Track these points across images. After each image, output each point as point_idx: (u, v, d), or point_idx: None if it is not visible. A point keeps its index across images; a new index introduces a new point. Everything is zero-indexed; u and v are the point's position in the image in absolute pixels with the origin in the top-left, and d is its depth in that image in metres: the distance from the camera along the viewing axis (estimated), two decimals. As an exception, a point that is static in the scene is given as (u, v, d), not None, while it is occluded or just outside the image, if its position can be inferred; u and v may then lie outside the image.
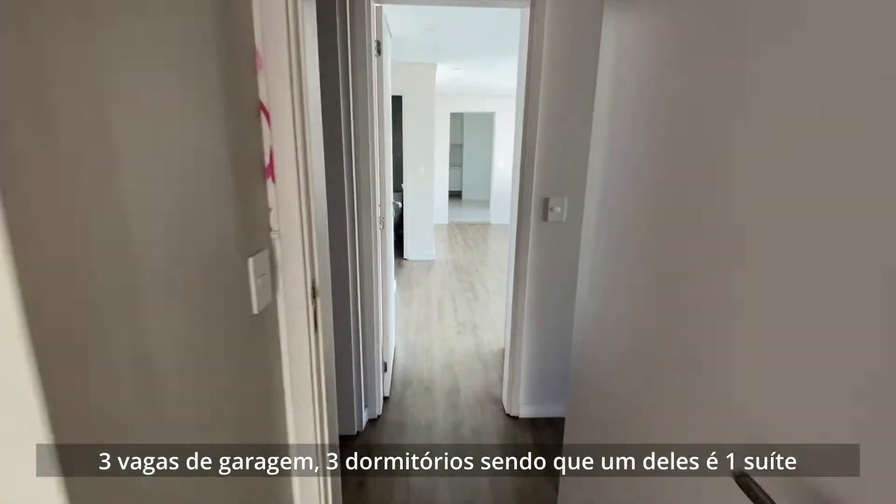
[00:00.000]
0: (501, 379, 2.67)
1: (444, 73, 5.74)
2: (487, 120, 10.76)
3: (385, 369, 2.42)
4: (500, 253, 5.90)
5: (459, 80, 6.23)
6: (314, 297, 1.03)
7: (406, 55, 4.73)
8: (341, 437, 2.11)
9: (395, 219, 6.55)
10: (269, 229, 0.95)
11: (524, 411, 2.31)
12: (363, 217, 2.02)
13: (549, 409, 2.32)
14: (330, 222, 1.86)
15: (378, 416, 2.29)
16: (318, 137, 1.12)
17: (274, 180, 0.94)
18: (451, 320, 3.61)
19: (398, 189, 7.09)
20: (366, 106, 1.91)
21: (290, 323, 1.01)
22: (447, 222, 8.05)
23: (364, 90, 1.89)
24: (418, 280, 4.69)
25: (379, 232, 2.19)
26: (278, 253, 0.97)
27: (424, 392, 2.55)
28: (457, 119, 10.95)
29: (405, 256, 5.59)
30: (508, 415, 2.33)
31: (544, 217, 2.07)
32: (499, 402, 2.45)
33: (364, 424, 2.21)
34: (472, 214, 9.03)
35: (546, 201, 2.04)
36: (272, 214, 0.96)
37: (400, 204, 5.68)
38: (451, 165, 10.90)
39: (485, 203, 10.52)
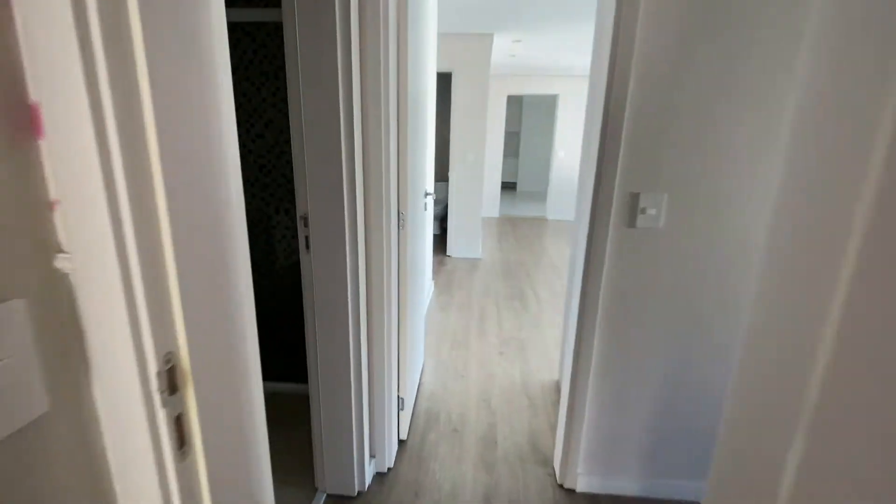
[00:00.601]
0: (553, 428, 2.06)
1: (502, 48, 5.07)
2: (548, 104, 9.92)
3: (401, 406, 1.90)
4: (557, 254, 5.20)
5: (518, 57, 5.53)
6: (172, 389, 0.50)
7: (457, 24, 4.13)
8: (335, 500, 1.64)
9: (439, 211, 6.04)
10: (55, 251, 0.43)
11: (583, 483, 1.70)
12: (372, 213, 1.48)
13: (620, 485, 1.69)
14: (318, 219, 1.35)
15: (389, 470, 1.77)
16: (217, 52, 0.58)
17: (41, 137, 0.41)
18: (494, 335, 3.02)
19: (444, 178, 6.55)
20: (378, 66, 1.36)
21: (118, 447, 0.49)
22: (497, 215, 7.41)
23: (375, 41, 1.34)
24: (460, 282, 4.14)
25: (396, 232, 1.65)
26: (81, 301, 0.45)
27: (452, 435, 2.00)
28: (514, 104, 10.19)
29: (448, 253, 5.05)
30: (561, 485, 1.73)
31: (630, 221, 1.42)
32: (548, 463, 1.85)
33: (369, 481, 1.70)
34: (527, 208, 8.30)
35: (634, 199, 1.40)
36: (57, 218, 0.43)
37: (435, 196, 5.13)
38: (507, 155, 10.23)
39: (541, 196, 9.74)
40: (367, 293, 1.56)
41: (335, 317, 1.46)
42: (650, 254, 1.44)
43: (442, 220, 6.13)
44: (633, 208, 1.41)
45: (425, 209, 2.42)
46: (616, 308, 1.53)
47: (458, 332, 3.07)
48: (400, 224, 1.67)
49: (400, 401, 1.89)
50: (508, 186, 10.62)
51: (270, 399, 2.19)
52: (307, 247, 1.42)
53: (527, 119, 10.26)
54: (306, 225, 1.40)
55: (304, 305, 1.49)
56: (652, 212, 1.40)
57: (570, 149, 7.09)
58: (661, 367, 1.56)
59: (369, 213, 1.48)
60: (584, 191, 1.70)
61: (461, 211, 4.89)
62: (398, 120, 1.60)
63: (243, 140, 2.75)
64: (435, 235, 5.37)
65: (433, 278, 4.15)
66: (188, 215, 0.50)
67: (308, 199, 1.37)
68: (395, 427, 1.84)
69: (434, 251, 4.94)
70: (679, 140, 1.34)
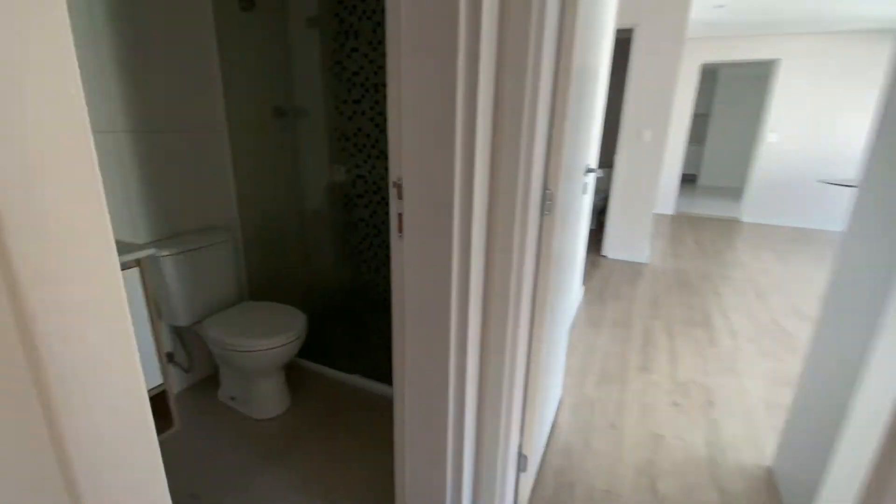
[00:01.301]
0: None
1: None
2: (756, 75, 7.82)
3: (523, 467, 1.34)
4: (762, 269, 3.88)
5: (728, 8, 4.22)
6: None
7: (650, -38, 3.22)
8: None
9: (597, 202, 5.13)
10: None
11: None
12: (501, 185, 0.93)
13: None
14: (416, 188, 0.85)
15: (493, 559, 1.24)
16: None
17: None
18: (664, 375, 2.21)
19: (607, 164, 5.56)
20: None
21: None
22: (672, 212, 6.10)
23: None
24: (617, 291, 3.31)
25: (537, 216, 1.07)
26: None
27: (593, 524, 1.36)
28: (706, 79, 8.35)
29: (603, 252, 4.20)
30: None
31: None
32: None
33: (463, 570, 1.20)
34: (712, 206, 6.69)
35: None
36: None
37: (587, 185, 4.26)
38: (690, 142, 8.51)
39: (730, 192, 7.84)
40: (483, 299, 1.03)
41: (431, 331, 0.97)
42: None
43: (600, 213, 5.23)
44: None
45: (584, 192, 1.76)
46: None
47: (609, 359, 2.33)
48: (546, 206, 1.08)
49: (522, 459, 1.33)
50: (688, 179, 8.88)
51: (355, 396, 1.86)
52: (399, 229, 0.95)
53: (721, 97, 8.32)
54: (400, 196, 0.93)
55: (393, 308, 1.04)
56: None
57: (788, 132, 5.35)
58: None
59: (496, 184, 0.94)
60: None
61: (627, 203, 3.98)
62: (556, 70, 1.00)
63: (380, 108, 2.48)
64: (590, 231, 4.55)
65: (583, 283, 3.41)
66: None
67: (402, 157, 0.89)
68: (510, 495, 1.29)
69: (588, 250, 4.16)
70: None
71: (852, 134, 5.14)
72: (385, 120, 2.42)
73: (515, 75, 0.86)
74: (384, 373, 2.05)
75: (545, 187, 1.06)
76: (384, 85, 2.36)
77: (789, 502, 1.41)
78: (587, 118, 1.53)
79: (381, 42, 2.30)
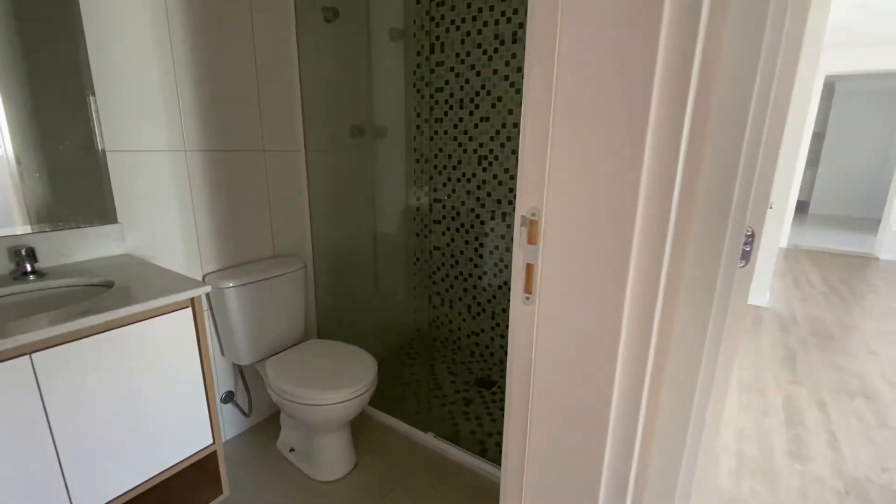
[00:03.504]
0: None
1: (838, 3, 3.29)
2: (886, 90, 6.70)
3: None
4: (921, 321, 3.09)
5: (865, 8, 3.54)
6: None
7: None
8: None
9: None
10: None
11: None
12: (696, 226, 0.59)
13: None
14: (565, 223, 0.55)
15: None
16: None
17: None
18: (827, 467, 1.67)
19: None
20: None
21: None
22: (785, 245, 5.26)
23: None
24: (734, 341, 2.74)
25: (734, 268, 0.71)
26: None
27: None
28: (823, 93, 7.33)
29: (710, 292, 3.60)
30: None
31: None
32: None
33: None
34: (830, 238, 5.72)
35: None
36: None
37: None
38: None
39: (852, 223, 6.72)
40: (649, 399, 0.68)
41: (572, 456, 0.64)
42: None
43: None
44: None
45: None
46: None
47: (747, 439, 1.83)
48: (744, 254, 0.72)
49: None
50: (797, 207, 7.79)
51: (426, 458, 1.53)
52: (528, 288, 0.65)
53: (837, 114, 7.25)
54: (533, 240, 0.62)
55: (508, 397, 0.73)
56: None
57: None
58: None
59: (689, 224, 0.60)
60: None
61: (740, 235, 3.38)
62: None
63: (465, 125, 2.24)
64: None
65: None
66: None
67: (550, 178, 0.58)
68: None
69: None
70: None
71: None
72: (470, 139, 2.17)
73: (738, 72, 0.54)
74: (463, 435, 1.73)
75: (749, 228, 0.71)
76: (470, 100, 2.13)
77: None
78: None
79: (469, 54, 2.07)
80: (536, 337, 0.65)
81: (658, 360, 0.66)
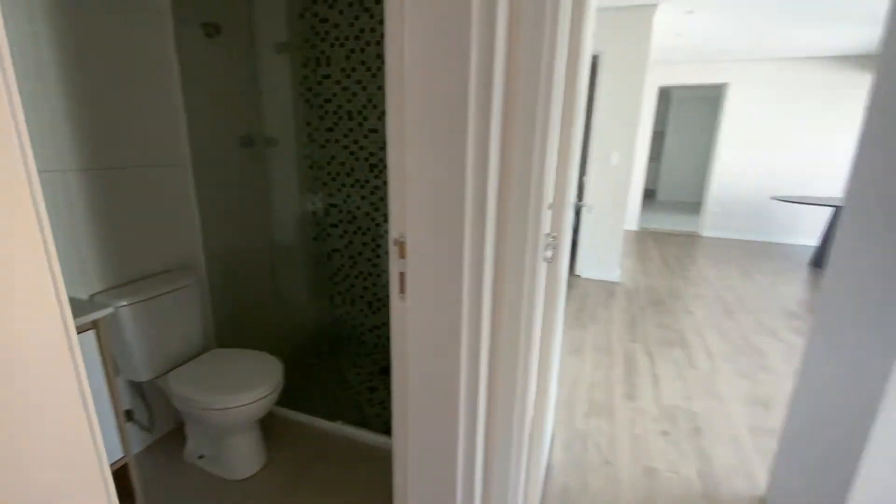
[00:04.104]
0: None
1: (665, 26, 4.09)
2: (706, 97, 8.29)
3: (527, 525, 1.26)
4: (726, 286, 4.03)
5: (686, 35, 4.45)
6: None
7: (613, -7, 3.34)
8: None
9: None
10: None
11: None
12: (509, 239, 0.88)
13: None
14: (422, 247, 0.78)
15: None
16: None
17: None
18: (650, 401, 2.20)
19: (577, 184, 5.69)
20: (542, 32, 0.75)
21: None
22: (636, 228, 6.29)
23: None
24: (594, 312, 3.34)
25: (542, 267, 1.02)
26: None
27: (599, 577, 1.30)
28: (661, 99, 8.78)
29: (577, 272, 4.25)
30: None
31: None
32: None
33: None
34: (672, 221, 6.97)
35: None
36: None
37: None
38: (648, 159, 8.88)
39: (688, 207, 8.21)
40: (490, 354, 0.96)
41: (439, 391, 0.89)
42: None
43: (572, 232, 5.31)
44: None
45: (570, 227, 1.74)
46: None
47: (596, 388, 2.31)
48: (551, 254, 1.04)
49: (524, 516, 1.25)
50: (646, 194, 9.24)
51: (338, 446, 1.73)
52: (402, 289, 0.88)
53: (674, 116, 8.76)
54: (403, 255, 0.85)
55: (393, 375, 0.96)
56: None
57: (740, 151, 5.67)
58: None
59: (504, 238, 0.88)
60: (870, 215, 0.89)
61: (597, 222, 4.05)
62: (552, 103, 0.96)
63: (355, 135, 2.40)
64: (561, 250, 4.59)
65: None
66: None
67: (406, 213, 0.81)
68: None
69: (560, 269, 4.19)
70: None
71: (800, 154, 5.49)
72: (360, 148, 2.34)
73: (525, 115, 0.82)
74: (369, 419, 1.93)
75: (550, 234, 1.01)
76: (359, 112, 2.29)
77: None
78: (575, 150, 1.51)
79: (355, 69, 2.23)
80: (408, 326, 0.88)
81: (494, 332, 0.93)
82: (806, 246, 5.62)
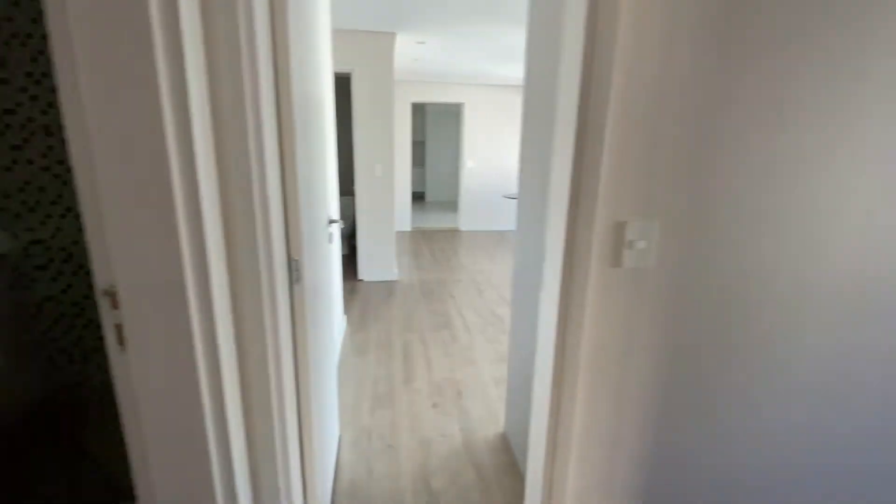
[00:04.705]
0: (513, 510, 1.65)
1: (405, 52, 4.66)
2: (453, 113, 9.77)
3: (313, 530, 1.34)
4: (477, 269, 4.90)
5: (421, 61, 5.17)
6: None
7: (354, 20, 3.62)
8: None
9: (346, 229, 5.41)
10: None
11: None
12: (242, 271, 0.93)
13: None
14: (139, 295, 0.76)
15: None
16: None
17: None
18: (424, 381, 2.55)
19: (349, 192, 5.93)
20: (238, 60, 0.82)
21: None
22: (409, 229, 6.97)
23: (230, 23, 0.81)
24: (377, 312, 3.60)
25: (286, 290, 1.10)
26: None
27: (386, 548, 1.48)
28: (418, 112, 9.89)
29: (360, 277, 4.47)
30: None
31: (615, 260, 1.06)
32: (517, 570, 1.43)
33: None
34: (438, 219, 7.99)
35: (620, 230, 1.04)
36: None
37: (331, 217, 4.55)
38: (414, 165, 9.87)
39: (452, 206, 9.53)
40: (241, 397, 0.99)
41: (184, 440, 0.87)
42: (642, 299, 1.09)
43: (350, 238, 5.51)
44: (618, 242, 1.05)
45: (330, 241, 1.87)
46: (604, 374, 1.15)
47: (379, 382, 2.53)
48: (294, 277, 1.12)
49: (309, 523, 1.32)
50: (417, 197, 10.27)
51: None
52: (120, 342, 0.82)
53: (431, 128, 10.01)
54: (115, 306, 0.80)
55: (126, 435, 0.88)
56: (641, 245, 1.05)
57: (479, 159, 6.93)
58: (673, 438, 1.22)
59: (236, 271, 0.92)
60: (554, 219, 1.33)
61: (372, 228, 4.35)
62: (279, 129, 1.05)
63: (57, 154, 1.93)
64: (343, 256, 4.73)
65: (345, 313, 3.55)
66: None
67: (116, 262, 0.77)
68: (303, 566, 1.27)
69: (343, 276, 4.33)
70: (682, 145, 1.00)
71: (516, 159, 7.07)
72: (68, 170, 1.91)
73: (237, 130, 0.88)
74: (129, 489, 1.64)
75: (290, 257, 1.10)
76: (59, 127, 1.86)
77: (518, 456, 1.89)
78: (320, 169, 1.63)
79: (46, 75, 1.81)
80: (135, 380, 0.83)
81: (242, 369, 0.97)
82: (531, 230, 7.31)
